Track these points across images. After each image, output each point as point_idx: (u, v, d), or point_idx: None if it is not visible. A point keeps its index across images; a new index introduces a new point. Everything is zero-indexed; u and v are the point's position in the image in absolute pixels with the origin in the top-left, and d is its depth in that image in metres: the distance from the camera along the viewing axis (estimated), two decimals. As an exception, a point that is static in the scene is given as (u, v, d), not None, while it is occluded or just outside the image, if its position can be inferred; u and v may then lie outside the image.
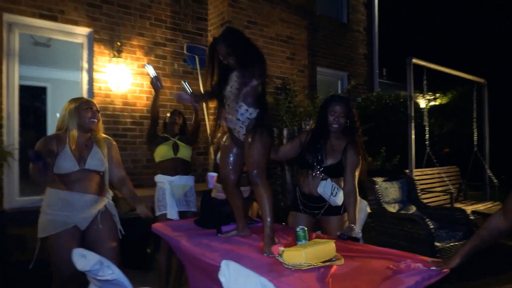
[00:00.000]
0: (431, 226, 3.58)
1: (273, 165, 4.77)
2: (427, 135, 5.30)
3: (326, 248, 1.66)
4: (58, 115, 2.52)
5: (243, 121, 2.03)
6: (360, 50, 7.63)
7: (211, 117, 5.11)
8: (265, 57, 2.07)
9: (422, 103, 7.75)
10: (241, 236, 2.18)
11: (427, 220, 3.65)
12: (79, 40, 4.69)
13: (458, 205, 5.00)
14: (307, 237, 1.82)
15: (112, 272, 1.67)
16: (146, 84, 4.95)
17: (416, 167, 5.14)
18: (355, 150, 2.40)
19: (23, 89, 5.67)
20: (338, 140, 2.45)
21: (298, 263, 1.58)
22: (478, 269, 3.30)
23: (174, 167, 3.10)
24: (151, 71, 2.99)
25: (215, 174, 2.78)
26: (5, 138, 4.08)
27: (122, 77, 4.71)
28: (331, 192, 2.31)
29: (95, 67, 4.66)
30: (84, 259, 1.69)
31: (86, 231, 2.34)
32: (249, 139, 1.97)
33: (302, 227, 1.85)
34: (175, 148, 3.13)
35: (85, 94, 4.66)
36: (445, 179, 5.29)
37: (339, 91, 6.96)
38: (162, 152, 3.11)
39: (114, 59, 4.69)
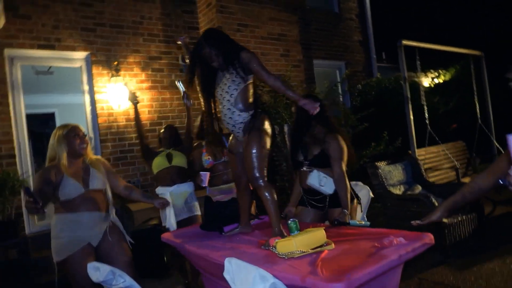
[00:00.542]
0: (436, 204, 3.62)
1: (278, 162, 4.85)
2: (426, 114, 5.32)
3: (316, 235, 1.76)
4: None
5: (238, 126, 2.09)
6: (355, 38, 7.67)
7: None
8: (258, 56, 2.08)
9: (426, 82, 7.75)
10: (243, 233, 2.27)
11: (432, 197, 3.70)
12: (77, 64, 4.86)
13: (466, 179, 5.01)
14: (299, 227, 1.91)
15: (124, 280, 1.80)
16: (146, 98, 5.10)
17: (420, 147, 5.16)
18: (335, 136, 2.47)
19: (32, 117, 5.91)
20: (317, 130, 2.54)
21: (291, 251, 1.68)
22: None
23: (170, 176, 3.22)
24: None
25: (207, 173, 2.89)
26: (18, 167, 4.26)
27: (122, 95, 4.83)
28: (319, 182, 2.40)
29: (95, 88, 4.82)
30: (97, 272, 1.82)
31: (98, 247, 2.45)
32: (245, 143, 2.03)
33: (293, 219, 1.94)
34: (169, 157, 3.27)
35: (89, 115, 4.84)
36: (451, 155, 5.30)
37: (338, 80, 6.99)
38: (157, 162, 3.26)
39: (113, 78, 4.84)
